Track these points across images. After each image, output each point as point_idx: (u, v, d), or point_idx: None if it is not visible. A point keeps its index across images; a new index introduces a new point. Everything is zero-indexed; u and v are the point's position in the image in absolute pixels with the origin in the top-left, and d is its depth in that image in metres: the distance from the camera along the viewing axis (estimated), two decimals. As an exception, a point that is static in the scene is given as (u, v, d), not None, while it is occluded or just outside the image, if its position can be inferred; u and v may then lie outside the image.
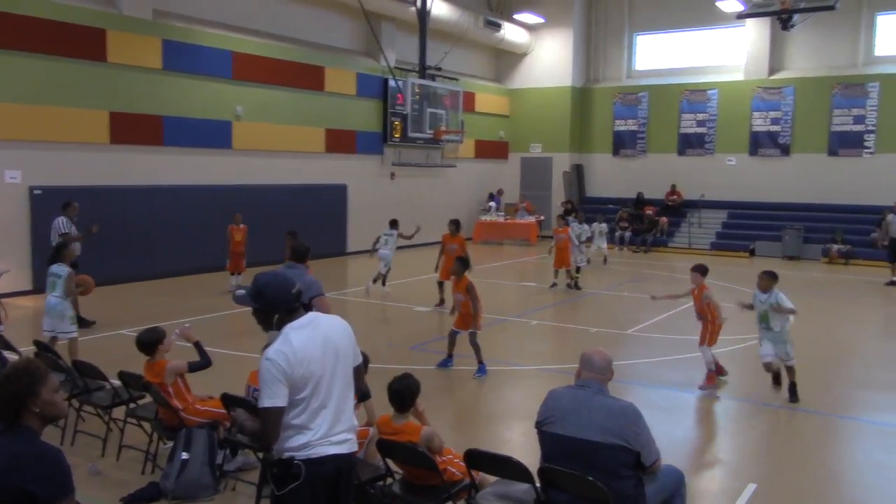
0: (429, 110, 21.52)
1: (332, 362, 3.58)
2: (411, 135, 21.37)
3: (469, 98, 25.05)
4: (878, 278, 18.05)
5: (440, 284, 13.75)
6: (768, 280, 8.63)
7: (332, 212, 20.74)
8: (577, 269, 16.22)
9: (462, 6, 24.06)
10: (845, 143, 23.34)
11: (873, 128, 22.96)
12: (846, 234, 21.76)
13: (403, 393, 4.82)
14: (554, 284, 16.05)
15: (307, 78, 19.72)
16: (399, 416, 4.85)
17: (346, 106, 21.04)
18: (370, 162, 22.08)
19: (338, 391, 3.59)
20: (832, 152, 23.55)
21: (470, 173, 25.96)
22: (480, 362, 9.28)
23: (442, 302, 13.65)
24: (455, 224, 13.60)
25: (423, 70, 21.36)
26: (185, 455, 5.56)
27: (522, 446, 6.42)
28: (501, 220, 25.39)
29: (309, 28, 20.30)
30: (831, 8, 17.62)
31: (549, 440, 4.31)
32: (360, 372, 3.86)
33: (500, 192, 26.56)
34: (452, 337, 9.54)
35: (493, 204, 25.60)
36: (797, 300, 14.59)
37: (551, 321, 13.17)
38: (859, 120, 23.12)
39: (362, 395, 5.68)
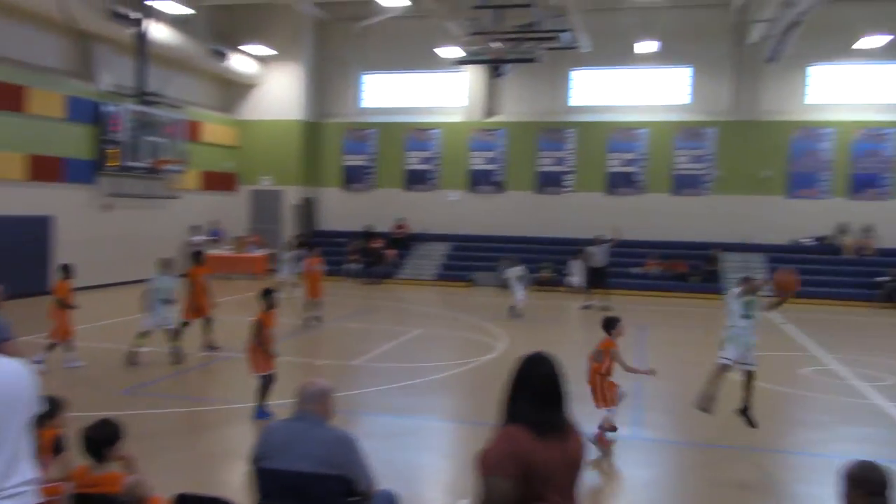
0: (148, 138, 20.39)
1: (7, 407, 3.29)
2: (128, 163, 20.07)
3: (194, 127, 24.18)
4: (577, 303, 20.22)
5: (206, 321, 12.74)
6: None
7: (34, 246, 18.76)
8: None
9: (186, 32, 23.23)
10: (549, 182, 26.00)
11: (572, 169, 25.86)
12: (554, 263, 24.00)
13: (97, 441, 4.49)
14: (316, 317, 15.74)
15: (4, 98, 17.78)
16: (99, 465, 4.51)
17: (53, 130, 19.26)
18: (81, 192, 20.35)
19: (10, 440, 3.30)
20: (539, 190, 26.09)
21: (196, 205, 24.93)
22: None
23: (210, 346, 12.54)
24: (200, 254, 13.37)
25: (141, 96, 20.25)
26: None
27: (244, 487, 6.26)
28: (230, 253, 24.66)
29: (8, 43, 18.35)
30: (533, 60, 19.64)
31: (265, 477, 4.28)
32: (35, 425, 3.58)
33: (215, 223, 25.29)
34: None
35: (199, 236, 24.40)
36: (506, 330, 15.80)
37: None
38: (560, 161, 25.92)
39: (57, 446, 5.21)
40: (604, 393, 8.07)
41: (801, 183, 24.39)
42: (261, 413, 8.75)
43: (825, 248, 23.95)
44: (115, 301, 18.92)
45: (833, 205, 24.15)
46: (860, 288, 22.04)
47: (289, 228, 27.11)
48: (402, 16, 24.91)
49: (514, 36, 20.00)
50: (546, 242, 25.18)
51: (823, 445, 8.70)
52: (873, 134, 23.88)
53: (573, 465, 3.32)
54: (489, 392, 10.54)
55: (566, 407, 3.34)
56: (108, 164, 20.68)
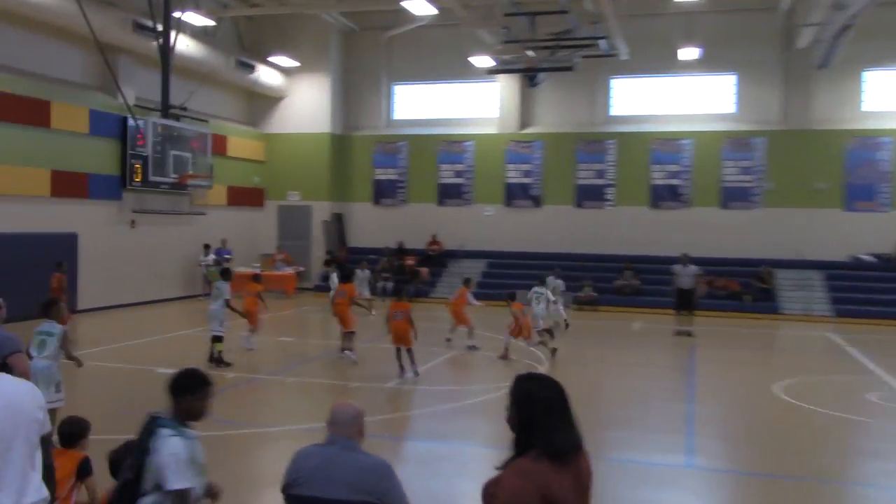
0: (173, 153, 20.57)
1: (12, 427, 3.31)
2: (153, 179, 20.29)
3: (220, 141, 24.41)
4: (620, 322, 19.95)
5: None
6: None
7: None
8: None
9: (211, 45, 23.54)
10: (589, 196, 25.78)
11: (612, 181, 25.61)
12: (595, 281, 23.72)
13: (122, 463, 4.44)
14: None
15: (28, 112, 18.12)
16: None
17: (78, 145, 19.58)
18: (106, 208, 20.65)
19: (19, 459, 3.34)
20: (578, 204, 25.89)
21: (222, 221, 25.14)
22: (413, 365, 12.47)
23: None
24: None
25: (166, 109, 20.49)
26: None
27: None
28: (257, 271, 24.70)
29: (31, 57, 18.74)
30: (570, 69, 19.52)
31: (297, 504, 4.18)
32: (47, 444, 3.61)
33: (224, 241, 24.69)
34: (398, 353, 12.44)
35: (210, 256, 23.87)
36: (549, 350, 15.59)
37: (308, 377, 12.99)
38: (600, 174, 25.70)
39: (82, 471, 5.18)
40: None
41: (859, 194, 23.85)
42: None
43: (887, 265, 23.35)
44: (140, 321, 19.12)
45: (895, 218, 23.59)
46: (925, 307, 21.43)
47: (318, 245, 27.20)
48: (432, 24, 25.02)
49: (548, 44, 19.92)
50: (587, 259, 24.95)
51: (893, 477, 8.38)
52: (936, 142, 23.33)
53: (585, 490, 3.24)
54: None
55: (578, 427, 3.26)
56: (134, 180, 21.01)
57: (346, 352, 13.96)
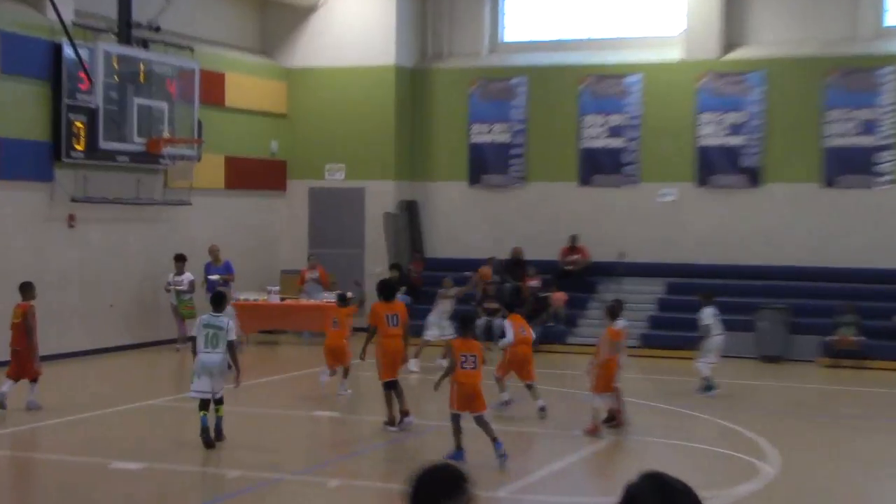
0: (138, 102, 20.92)
1: None
2: (105, 146, 20.60)
3: (214, 82, 24.73)
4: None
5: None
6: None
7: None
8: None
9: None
10: (847, 167, 24.95)
11: (889, 141, 24.65)
12: (860, 316, 22.85)
13: None
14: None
15: None
16: None
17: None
18: (29, 195, 21.09)
19: None
20: (828, 181, 25.07)
21: (217, 216, 25.37)
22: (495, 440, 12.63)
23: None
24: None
25: (126, 30, 20.82)
26: None
27: None
28: (276, 300, 24.84)
29: None
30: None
31: None
32: None
33: (213, 250, 24.22)
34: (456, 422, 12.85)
35: (185, 276, 23.72)
36: (775, 436, 15.12)
37: (363, 479, 12.90)
38: (869, 128, 24.81)
39: None
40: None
41: None
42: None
43: None
44: (83, 381, 19.33)
45: None
46: None
47: (376, 253, 27.20)
48: None
49: None
50: (846, 278, 24.27)
51: None
52: None
53: None
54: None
55: None
56: (74, 148, 21.30)
57: (406, 419, 14.89)
